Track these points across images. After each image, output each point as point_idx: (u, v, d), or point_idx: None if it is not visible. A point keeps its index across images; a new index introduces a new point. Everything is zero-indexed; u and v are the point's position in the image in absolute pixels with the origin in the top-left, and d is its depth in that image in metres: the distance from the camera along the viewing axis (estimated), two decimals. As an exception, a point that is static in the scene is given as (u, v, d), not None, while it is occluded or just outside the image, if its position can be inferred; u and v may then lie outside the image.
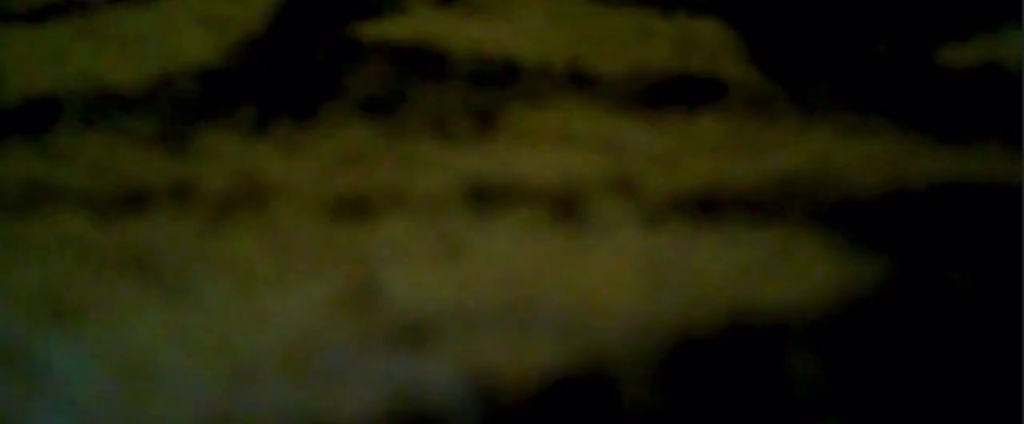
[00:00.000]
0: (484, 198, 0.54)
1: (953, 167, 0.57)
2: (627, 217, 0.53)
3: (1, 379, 0.45)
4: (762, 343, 0.46)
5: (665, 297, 0.48)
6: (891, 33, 0.71)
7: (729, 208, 0.54)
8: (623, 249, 0.51)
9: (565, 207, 0.54)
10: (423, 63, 0.67)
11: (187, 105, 0.63)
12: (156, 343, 0.46)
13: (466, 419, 0.42)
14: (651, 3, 0.74)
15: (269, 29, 0.71)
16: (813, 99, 0.63)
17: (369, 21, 0.72)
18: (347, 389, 0.44)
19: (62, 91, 0.64)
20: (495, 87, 0.64)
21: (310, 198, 0.55)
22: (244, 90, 0.64)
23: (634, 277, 0.49)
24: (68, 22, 0.73)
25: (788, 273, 0.49)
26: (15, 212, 0.54)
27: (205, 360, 0.45)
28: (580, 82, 0.65)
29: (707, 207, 0.54)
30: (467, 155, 0.58)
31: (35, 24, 0.73)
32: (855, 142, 0.59)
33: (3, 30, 0.73)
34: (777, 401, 0.43)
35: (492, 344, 0.46)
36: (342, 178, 0.56)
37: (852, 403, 0.43)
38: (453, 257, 0.51)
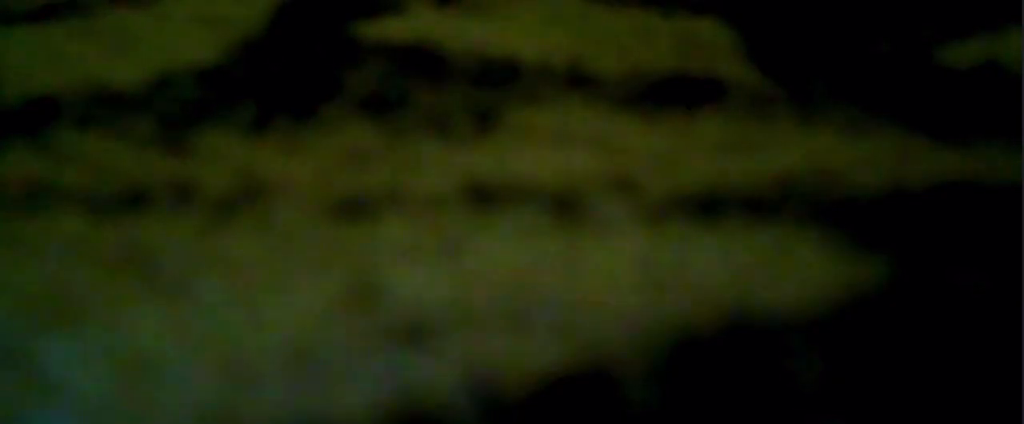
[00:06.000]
0: (484, 198, 0.54)
1: (953, 167, 0.57)
2: (627, 217, 0.53)
3: (1, 379, 0.45)
4: (762, 342, 0.46)
5: (665, 296, 0.48)
6: (891, 33, 0.71)
7: (729, 208, 0.54)
8: (623, 249, 0.51)
9: (565, 207, 0.54)
10: (423, 63, 0.67)
11: (187, 105, 0.63)
12: (156, 343, 0.46)
13: (466, 418, 0.42)
14: (651, 3, 0.74)
15: (269, 29, 0.71)
16: (813, 99, 0.63)
17: (369, 21, 0.72)
18: (347, 388, 0.44)
19: (62, 91, 0.64)
20: (495, 87, 0.64)
21: (310, 198, 0.55)
22: (244, 90, 0.64)
23: (634, 276, 0.49)
24: (68, 22, 0.73)
25: (788, 273, 0.49)
26: (15, 212, 0.54)
27: (205, 359, 0.45)
28: (580, 82, 0.65)
29: (707, 207, 0.54)
30: (467, 155, 0.58)
31: (35, 24, 0.73)
32: (855, 142, 0.59)
33: (3, 30, 0.73)
34: (777, 400, 0.43)
35: (492, 343, 0.46)
36: (342, 178, 0.56)
37: (852, 403, 0.43)
38: (453, 256, 0.51)
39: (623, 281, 0.49)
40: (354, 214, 0.54)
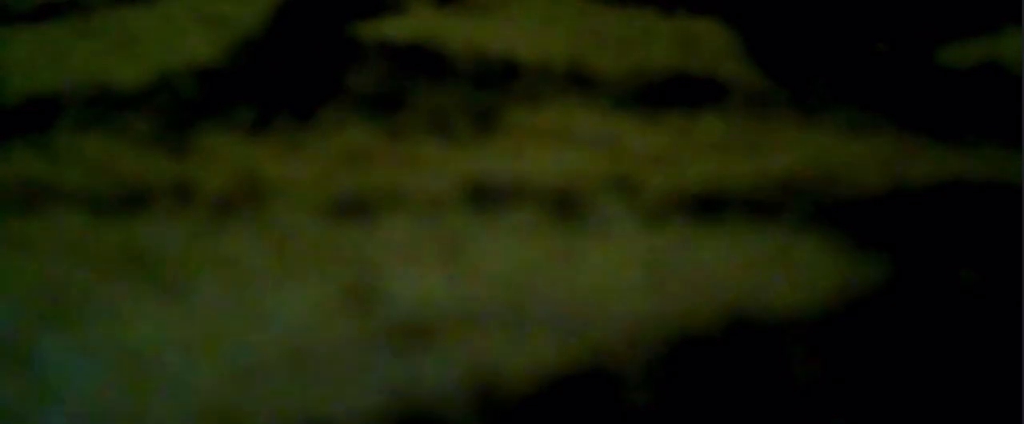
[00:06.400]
0: (484, 198, 0.54)
1: (953, 167, 0.57)
2: (627, 216, 0.53)
3: (1, 379, 0.45)
4: (762, 342, 0.46)
5: (665, 296, 0.48)
6: (891, 32, 0.71)
7: (729, 208, 0.54)
8: (623, 248, 0.51)
9: (565, 206, 0.54)
10: (423, 63, 0.67)
11: (187, 105, 0.63)
12: (156, 342, 0.46)
13: (466, 417, 0.42)
14: (651, 3, 0.74)
15: (269, 29, 0.71)
16: (813, 99, 0.63)
17: (369, 21, 0.72)
18: (347, 388, 0.44)
19: (62, 91, 0.64)
20: (495, 87, 0.64)
21: (310, 198, 0.55)
22: (244, 90, 0.64)
23: (634, 276, 0.49)
24: (68, 22, 0.73)
25: (788, 273, 0.49)
26: (15, 212, 0.54)
27: (205, 359, 0.45)
28: (580, 82, 0.65)
29: (707, 207, 0.54)
30: (467, 155, 0.58)
31: (35, 24, 0.73)
32: (855, 142, 0.59)
33: (3, 30, 0.73)
34: (777, 400, 0.43)
35: (492, 343, 0.46)
36: (342, 178, 0.56)
37: (852, 403, 0.43)
38: (453, 256, 0.51)
39: (623, 281, 0.49)
40: (354, 214, 0.54)
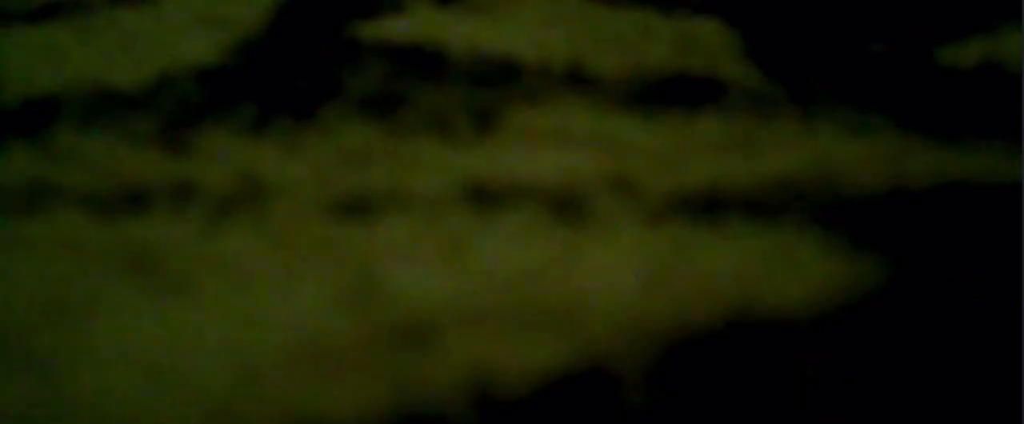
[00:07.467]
0: (484, 198, 0.54)
1: (953, 167, 0.57)
2: (627, 217, 0.53)
3: (1, 378, 0.45)
4: (761, 342, 0.46)
5: (665, 296, 0.48)
6: (890, 33, 0.71)
7: (729, 208, 0.54)
8: (623, 248, 0.51)
9: (565, 206, 0.54)
10: (423, 63, 0.67)
11: (187, 105, 0.63)
12: (156, 342, 0.46)
13: (466, 417, 0.42)
14: (651, 3, 0.74)
15: (269, 29, 0.71)
16: (813, 99, 0.63)
17: (369, 21, 0.72)
18: (347, 388, 0.44)
19: (62, 91, 0.64)
20: (495, 87, 0.64)
21: (310, 198, 0.55)
22: (244, 90, 0.64)
23: (634, 276, 0.49)
24: (68, 22, 0.73)
25: (788, 273, 0.49)
26: (15, 212, 0.54)
27: (205, 359, 0.45)
28: (580, 82, 0.65)
29: (707, 207, 0.54)
30: (467, 155, 0.58)
31: (35, 24, 0.73)
32: (855, 142, 0.59)
33: (3, 30, 0.73)
34: (777, 400, 0.43)
35: (492, 343, 0.46)
36: (342, 178, 0.56)
37: (853, 403, 0.43)
38: (453, 256, 0.51)
39: (623, 281, 0.49)
40: (354, 214, 0.54)
